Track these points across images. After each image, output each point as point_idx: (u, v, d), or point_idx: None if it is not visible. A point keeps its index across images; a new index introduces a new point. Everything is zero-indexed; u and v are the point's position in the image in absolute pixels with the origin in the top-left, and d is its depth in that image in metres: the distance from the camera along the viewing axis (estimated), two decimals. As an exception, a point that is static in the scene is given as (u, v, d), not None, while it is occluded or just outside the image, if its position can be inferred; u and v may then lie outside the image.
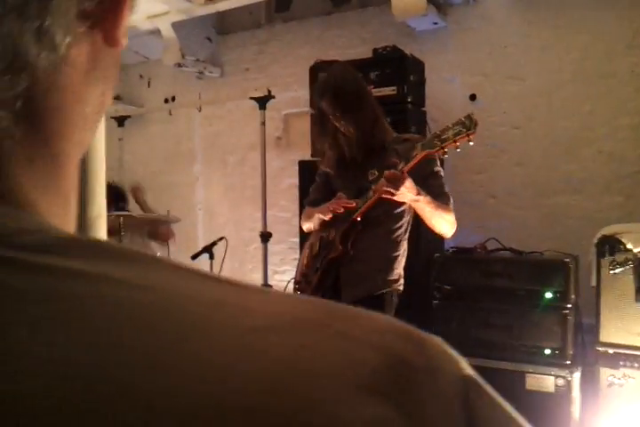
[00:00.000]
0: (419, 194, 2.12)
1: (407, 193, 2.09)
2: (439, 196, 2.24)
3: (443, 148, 2.07)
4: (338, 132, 2.32)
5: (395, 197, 2.10)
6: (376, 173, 2.27)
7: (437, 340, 0.26)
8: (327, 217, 2.32)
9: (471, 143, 2.07)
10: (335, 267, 2.35)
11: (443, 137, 2.06)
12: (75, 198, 0.36)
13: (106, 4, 0.32)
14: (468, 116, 2.05)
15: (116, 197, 3.62)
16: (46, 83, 0.31)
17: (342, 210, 2.25)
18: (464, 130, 2.03)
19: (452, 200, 2.30)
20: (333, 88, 2.25)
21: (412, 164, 2.12)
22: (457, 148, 2.07)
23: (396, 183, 2.05)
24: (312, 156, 3.63)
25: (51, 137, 0.32)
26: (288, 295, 0.28)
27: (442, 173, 2.32)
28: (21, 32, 0.28)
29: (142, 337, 0.24)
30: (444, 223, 2.26)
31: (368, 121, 2.29)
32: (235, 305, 0.26)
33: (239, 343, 0.23)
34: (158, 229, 3.59)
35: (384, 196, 2.11)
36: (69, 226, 0.35)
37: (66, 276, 0.26)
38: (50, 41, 0.30)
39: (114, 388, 0.22)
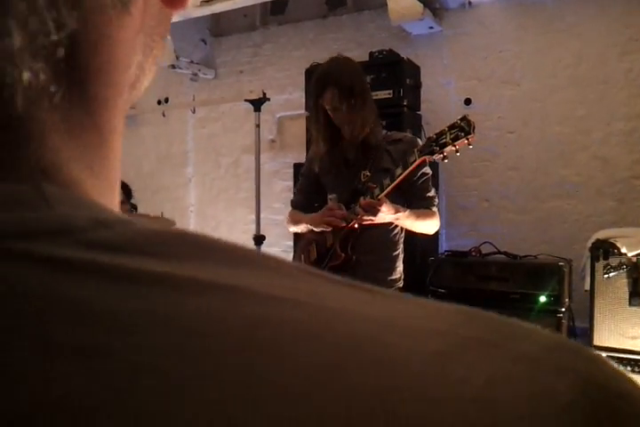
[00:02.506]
0: (397, 212, 2.14)
1: (385, 216, 2.12)
2: (425, 199, 2.27)
3: (442, 153, 2.04)
4: (333, 125, 2.27)
5: (375, 221, 2.14)
6: (368, 174, 2.27)
7: (604, 356, 0.23)
8: (318, 230, 2.30)
9: (470, 146, 2.06)
10: (337, 273, 2.34)
11: (441, 141, 2.03)
12: (118, 182, 0.28)
13: None
14: (465, 119, 2.01)
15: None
16: (99, 31, 0.23)
17: (334, 226, 2.24)
18: (462, 134, 2.00)
19: (436, 202, 2.32)
20: (341, 83, 2.16)
21: (408, 171, 2.11)
22: (457, 151, 2.06)
23: (373, 211, 2.08)
24: (307, 158, 3.63)
25: (94, 104, 0.25)
26: (436, 305, 0.23)
27: (430, 175, 2.32)
28: None
29: (305, 373, 0.17)
30: (425, 229, 2.31)
31: (368, 120, 2.24)
32: (400, 323, 0.21)
33: (424, 379, 0.18)
34: None
35: (364, 223, 2.16)
36: None
37: (175, 287, 0.19)
38: None
39: None
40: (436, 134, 2.06)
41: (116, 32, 0.25)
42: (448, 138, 2.02)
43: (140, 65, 0.29)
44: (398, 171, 2.13)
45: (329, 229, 2.26)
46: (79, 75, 0.23)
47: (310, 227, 2.34)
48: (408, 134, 2.46)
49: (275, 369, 0.17)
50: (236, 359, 0.17)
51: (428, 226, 2.30)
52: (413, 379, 0.18)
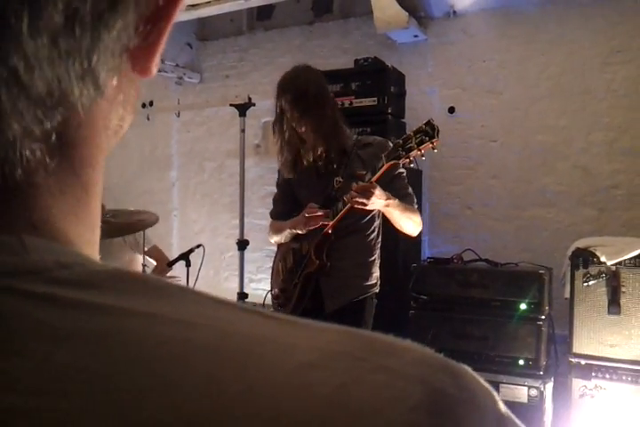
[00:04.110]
0: (388, 199, 2.15)
1: (378, 201, 2.11)
2: (404, 197, 2.27)
3: (408, 157, 2.06)
4: (294, 133, 2.29)
5: (367, 207, 2.12)
6: (341, 180, 2.28)
7: (471, 371, 0.27)
8: (302, 231, 2.31)
9: (435, 150, 2.07)
10: (313, 279, 2.35)
11: (407, 146, 2.05)
12: (99, 225, 0.35)
13: (149, 40, 0.32)
14: (430, 124, 2.03)
15: None
16: (80, 116, 0.30)
17: (319, 225, 2.25)
18: (427, 138, 2.01)
19: (415, 200, 2.34)
20: (295, 88, 2.21)
21: (378, 175, 2.12)
22: (422, 156, 2.08)
23: (367, 194, 2.08)
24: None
25: (80, 166, 0.32)
26: (324, 327, 0.28)
27: (405, 174, 2.34)
28: (68, 73, 0.28)
29: (190, 378, 0.23)
30: (410, 224, 2.29)
31: (326, 125, 2.26)
32: (278, 341, 0.26)
33: (285, 382, 0.23)
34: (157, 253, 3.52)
35: (356, 206, 2.13)
36: (96, 253, 0.35)
37: (105, 312, 0.26)
38: (94, 80, 0.29)
39: None
40: (402, 139, 2.08)
41: (95, 106, 0.31)
42: (414, 142, 2.03)
43: (121, 116, 0.35)
44: (368, 176, 2.15)
45: (312, 228, 2.26)
46: (69, 145, 0.30)
47: (294, 231, 2.34)
48: (378, 137, 2.46)
49: (162, 373, 0.23)
50: (134, 362, 0.24)
51: (413, 222, 2.29)
52: (276, 382, 0.23)
